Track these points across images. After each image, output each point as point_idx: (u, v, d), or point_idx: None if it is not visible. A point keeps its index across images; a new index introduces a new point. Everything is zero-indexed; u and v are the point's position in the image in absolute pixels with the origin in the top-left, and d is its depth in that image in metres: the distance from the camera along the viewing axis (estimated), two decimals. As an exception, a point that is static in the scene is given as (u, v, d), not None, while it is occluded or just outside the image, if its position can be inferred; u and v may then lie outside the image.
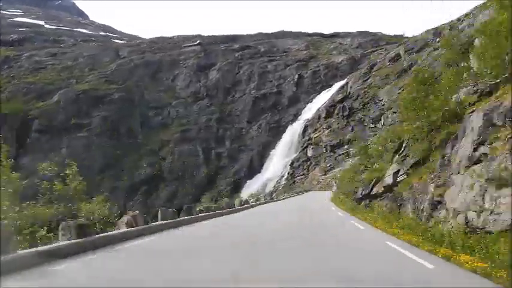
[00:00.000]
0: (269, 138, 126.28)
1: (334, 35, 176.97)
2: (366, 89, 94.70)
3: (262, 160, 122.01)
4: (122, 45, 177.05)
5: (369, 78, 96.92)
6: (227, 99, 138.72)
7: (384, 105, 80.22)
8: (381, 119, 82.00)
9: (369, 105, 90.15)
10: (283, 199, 60.07)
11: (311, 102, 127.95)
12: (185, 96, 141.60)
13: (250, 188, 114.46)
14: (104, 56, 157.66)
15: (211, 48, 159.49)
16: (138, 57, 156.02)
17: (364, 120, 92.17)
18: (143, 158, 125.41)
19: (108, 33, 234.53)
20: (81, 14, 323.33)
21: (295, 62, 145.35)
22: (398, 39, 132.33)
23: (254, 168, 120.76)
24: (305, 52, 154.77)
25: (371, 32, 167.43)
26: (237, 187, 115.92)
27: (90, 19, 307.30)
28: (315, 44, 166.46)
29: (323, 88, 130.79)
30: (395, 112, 72.91)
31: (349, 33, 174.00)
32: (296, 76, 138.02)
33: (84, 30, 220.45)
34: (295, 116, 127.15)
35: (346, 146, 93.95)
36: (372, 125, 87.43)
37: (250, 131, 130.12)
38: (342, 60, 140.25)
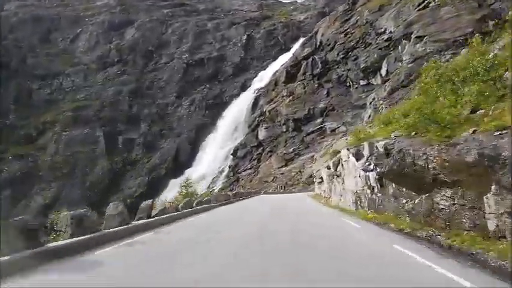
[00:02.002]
0: (206, 118, 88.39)
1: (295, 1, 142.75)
2: (348, 31, 59.61)
3: (195, 149, 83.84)
4: None
5: (351, 16, 62.00)
6: (148, 66, 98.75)
7: (389, 39, 45.14)
8: (381, 67, 46.93)
9: (355, 51, 55.04)
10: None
11: (264, 69, 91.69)
12: (88, 61, 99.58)
13: (174, 190, 75.91)
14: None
15: (131, 2, 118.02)
16: (27, 11, 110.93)
17: (347, 77, 57.00)
18: (11, 147, 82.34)
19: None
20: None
21: (243, 20, 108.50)
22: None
23: (182, 161, 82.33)
24: (257, 13, 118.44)
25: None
26: (154, 189, 76.62)
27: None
28: (269, 6, 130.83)
29: (281, 52, 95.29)
30: (421, 38, 37.99)
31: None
32: (245, 37, 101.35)
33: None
34: (243, 89, 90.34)
35: (319, 120, 58.34)
36: (362, 82, 52.31)
37: (179, 108, 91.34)
38: (305, 18, 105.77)
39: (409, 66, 37.09)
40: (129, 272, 5.69)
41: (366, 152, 11.90)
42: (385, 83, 45.80)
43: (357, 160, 13.01)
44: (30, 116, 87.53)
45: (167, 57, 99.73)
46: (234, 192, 32.76)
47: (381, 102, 36.69)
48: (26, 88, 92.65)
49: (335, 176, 17.86)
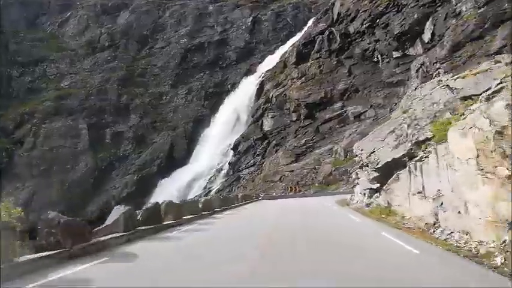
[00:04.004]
0: (205, 110, 77.77)
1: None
2: (374, -5, 47.90)
3: (192, 144, 73.10)
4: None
5: (378, -22, 50.17)
6: (141, 52, 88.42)
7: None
8: (423, 31, 35.54)
9: (385, 18, 43.44)
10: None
11: (272, 54, 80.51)
12: (76, 47, 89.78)
13: (166, 190, 65.29)
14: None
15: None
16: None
17: (374, 51, 45.41)
18: (-17, 141, 72.85)
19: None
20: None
21: (249, 2, 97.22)
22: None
23: (177, 158, 71.82)
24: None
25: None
26: (143, 190, 66.10)
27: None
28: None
29: (290, 36, 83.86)
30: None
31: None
32: (250, 19, 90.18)
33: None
34: (248, 76, 79.28)
35: (339, 104, 46.87)
36: (396, 53, 40.76)
37: (175, 98, 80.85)
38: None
39: (479, 12, 25.31)
40: None
41: None
42: (428, 50, 34.26)
43: None
44: (8, 106, 77.91)
45: (163, 42, 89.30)
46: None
47: (438, 65, 25.05)
48: (5, 76, 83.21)
49: None
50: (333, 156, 39.06)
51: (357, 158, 16.22)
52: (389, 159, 12.15)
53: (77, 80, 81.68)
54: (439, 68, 24.96)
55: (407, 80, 34.77)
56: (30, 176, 68.27)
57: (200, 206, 18.15)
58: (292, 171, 43.13)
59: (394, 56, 41.48)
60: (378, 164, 12.32)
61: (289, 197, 32.93)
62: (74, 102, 76.58)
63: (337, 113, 45.45)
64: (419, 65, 31.21)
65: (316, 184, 36.79)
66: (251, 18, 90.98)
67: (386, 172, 11.84)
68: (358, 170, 15.63)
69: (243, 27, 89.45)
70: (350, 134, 38.72)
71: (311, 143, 45.66)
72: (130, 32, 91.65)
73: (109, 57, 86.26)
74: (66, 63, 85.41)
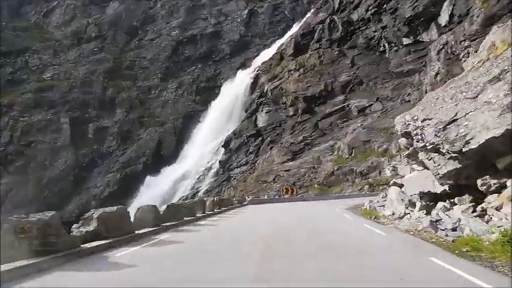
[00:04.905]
0: (196, 105, 73.11)
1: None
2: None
3: (181, 141, 68.48)
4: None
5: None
6: (130, 44, 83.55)
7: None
8: (440, 13, 31.15)
9: (393, 2, 39.20)
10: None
11: (269, 47, 76.03)
12: (61, 37, 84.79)
13: (151, 190, 60.48)
14: None
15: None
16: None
17: (380, 39, 41.17)
18: (-44, 135, 67.59)
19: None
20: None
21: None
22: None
23: (165, 156, 67.13)
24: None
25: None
26: (127, 189, 61.15)
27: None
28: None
29: (288, 29, 79.50)
30: None
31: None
32: (245, 11, 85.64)
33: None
34: (242, 69, 74.75)
35: (341, 97, 42.48)
36: (406, 40, 36.56)
37: (165, 93, 76.12)
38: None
39: None
40: None
41: None
42: (442, 34, 29.89)
43: None
44: (-15, 99, 72.80)
45: (154, 34, 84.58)
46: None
47: (467, 43, 20.66)
48: (-16, 66, 78.10)
49: None
50: (335, 153, 34.76)
51: (403, 141, 9.88)
52: (495, 134, 6.35)
53: (60, 71, 76.66)
54: (469, 46, 20.66)
55: (424, 66, 30.53)
56: (5, 173, 63.24)
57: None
58: (289, 170, 38.61)
59: (404, 44, 37.20)
60: (466, 144, 6.57)
61: (284, 200, 28.15)
62: (56, 95, 71.61)
63: (339, 107, 41.04)
64: (441, 46, 26.80)
65: (316, 185, 32.39)
66: (247, 10, 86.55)
67: (482, 160, 6.59)
68: (397, 162, 10.36)
69: (238, 20, 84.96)
70: (354, 129, 34.45)
71: (309, 140, 41.20)
72: (119, 23, 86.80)
73: (95, 49, 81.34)
74: (50, 54, 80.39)
